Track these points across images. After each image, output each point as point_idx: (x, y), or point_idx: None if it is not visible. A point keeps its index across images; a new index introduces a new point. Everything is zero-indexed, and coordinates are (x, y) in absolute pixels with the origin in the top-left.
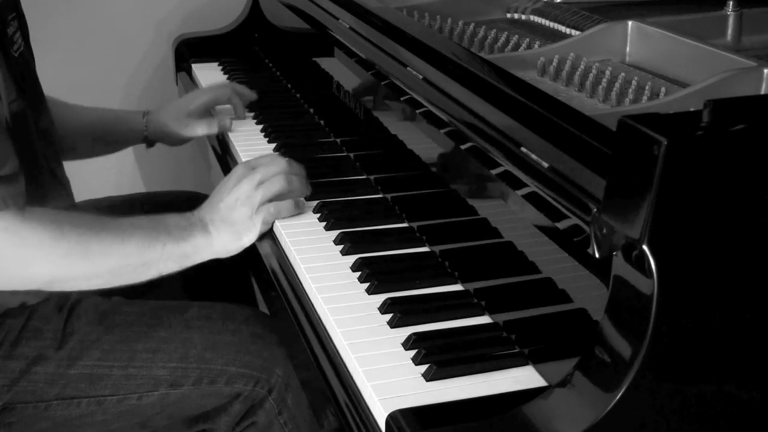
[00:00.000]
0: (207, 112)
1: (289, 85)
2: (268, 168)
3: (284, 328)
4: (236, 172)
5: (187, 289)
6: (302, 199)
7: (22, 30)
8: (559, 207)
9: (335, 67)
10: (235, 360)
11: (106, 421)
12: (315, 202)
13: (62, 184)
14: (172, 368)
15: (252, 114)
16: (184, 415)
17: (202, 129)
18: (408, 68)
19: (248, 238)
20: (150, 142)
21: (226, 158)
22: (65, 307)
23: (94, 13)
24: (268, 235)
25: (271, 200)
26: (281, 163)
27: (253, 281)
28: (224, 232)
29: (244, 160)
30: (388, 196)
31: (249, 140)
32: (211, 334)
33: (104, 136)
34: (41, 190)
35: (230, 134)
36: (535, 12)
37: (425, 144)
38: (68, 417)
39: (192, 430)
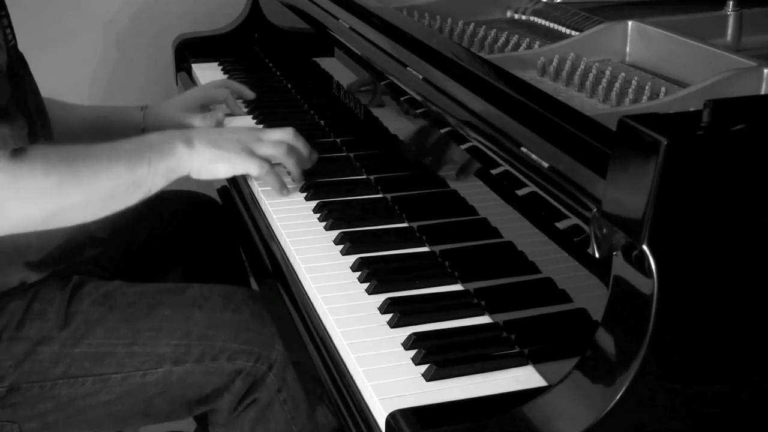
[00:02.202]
0: (204, 108)
1: (289, 85)
2: (275, 132)
3: (284, 327)
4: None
5: (186, 278)
6: (288, 189)
7: (11, 29)
8: (559, 207)
9: (335, 67)
10: (236, 337)
11: (110, 401)
12: (315, 202)
13: None
14: (175, 345)
15: (252, 114)
16: (186, 396)
17: (197, 122)
18: (408, 68)
19: (227, 168)
20: None
21: None
22: (68, 288)
23: (94, 13)
24: (269, 234)
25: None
26: (289, 131)
27: (252, 282)
28: (206, 152)
29: None
30: (388, 196)
31: None
32: (213, 313)
33: (102, 131)
34: None
35: None
36: (535, 13)
37: (425, 144)
38: (73, 396)
39: (194, 412)
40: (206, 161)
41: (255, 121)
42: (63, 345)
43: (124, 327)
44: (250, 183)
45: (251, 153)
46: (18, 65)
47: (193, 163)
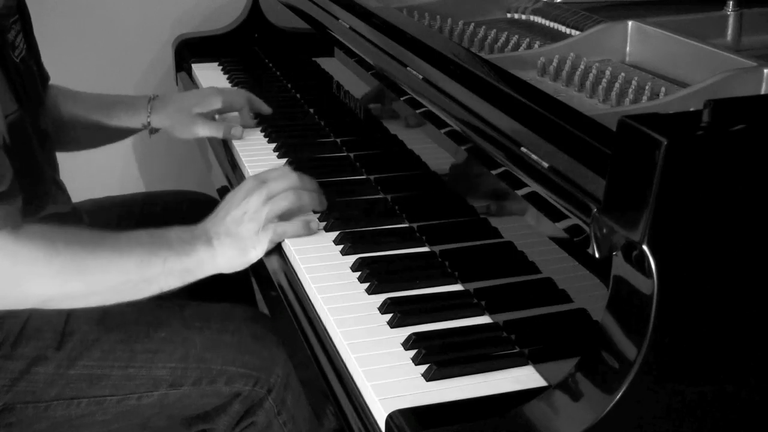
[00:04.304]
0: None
1: (289, 85)
2: (278, 182)
3: (284, 328)
4: (245, 185)
5: (186, 289)
6: (315, 221)
7: (24, 29)
8: (559, 207)
9: (335, 67)
10: (234, 360)
11: (106, 421)
12: None
13: (62, 190)
14: (171, 368)
15: (252, 114)
16: (183, 416)
17: (207, 131)
18: (408, 68)
19: (254, 255)
20: (152, 129)
21: (226, 159)
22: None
23: (94, 13)
24: None
25: (281, 216)
26: (292, 177)
27: (252, 281)
28: (229, 246)
29: (243, 159)
30: (388, 196)
31: (249, 140)
32: (211, 334)
33: (107, 120)
34: (44, 197)
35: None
36: (535, 12)
37: (425, 144)
38: (68, 417)
39: (192, 430)
40: (232, 258)
41: (255, 121)
42: (58, 366)
43: (120, 348)
44: None
45: (269, 223)
46: (24, 96)
47: (217, 262)
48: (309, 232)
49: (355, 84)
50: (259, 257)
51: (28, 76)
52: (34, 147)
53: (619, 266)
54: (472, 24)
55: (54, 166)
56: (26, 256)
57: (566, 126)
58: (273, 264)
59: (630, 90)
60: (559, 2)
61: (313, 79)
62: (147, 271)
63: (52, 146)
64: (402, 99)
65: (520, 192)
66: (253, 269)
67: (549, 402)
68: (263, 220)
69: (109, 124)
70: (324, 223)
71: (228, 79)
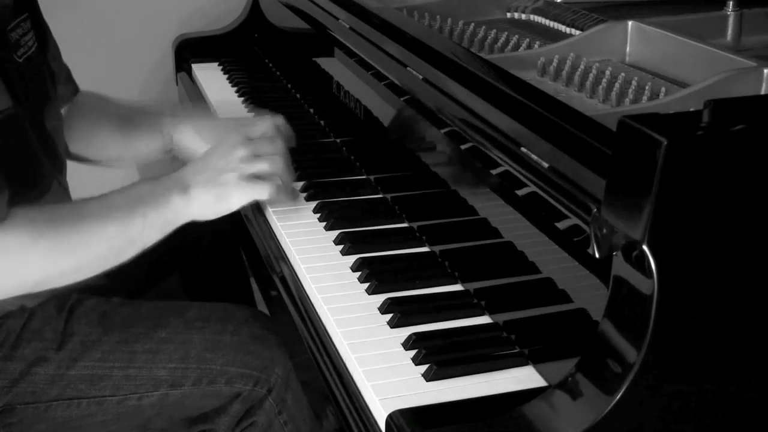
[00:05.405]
0: None
1: (289, 85)
2: (267, 146)
3: (284, 329)
4: (231, 138)
5: (186, 289)
6: (295, 189)
7: (37, 30)
8: (559, 207)
9: (335, 67)
10: (234, 360)
11: (106, 421)
12: (315, 202)
13: (65, 190)
14: (172, 369)
15: (252, 115)
16: (184, 416)
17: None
18: (408, 68)
19: (233, 204)
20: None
21: None
22: (65, 308)
23: (95, 13)
24: (269, 235)
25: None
26: (279, 144)
27: (252, 282)
28: (206, 194)
29: None
30: (388, 196)
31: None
32: (211, 335)
33: (129, 129)
34: (42, 197)
35: None
36: (536, 11)
37: (425, 144)
38: (68, 418)
39: (192, 430)
40: (208, 204)
41: None
42: (58, 367)
43: (120, 349)
44: None
45: (252, 177)
46: (21, 95)
47: (192, 209)
48: (294, 198)
49: (355, 84)
50: (236, 208)
51: (34, 76)
52: (34, 146)
53: (619, 266)
54: (472, 24)
55: (59, 167)
56: (14, 244)
57: (566, 126)
58: (273, 264)
59: (630, 90)
60: (559, 2)
61: (313, 79)
62: (129, 233)
63: (57, 147)
64: (402, 99)
65: (520, 192)
66: (252, 269)
67: (549, 402)
68: (246, 172)
69: (127, 132)
70: (324, 223)
71: (228, 79)
